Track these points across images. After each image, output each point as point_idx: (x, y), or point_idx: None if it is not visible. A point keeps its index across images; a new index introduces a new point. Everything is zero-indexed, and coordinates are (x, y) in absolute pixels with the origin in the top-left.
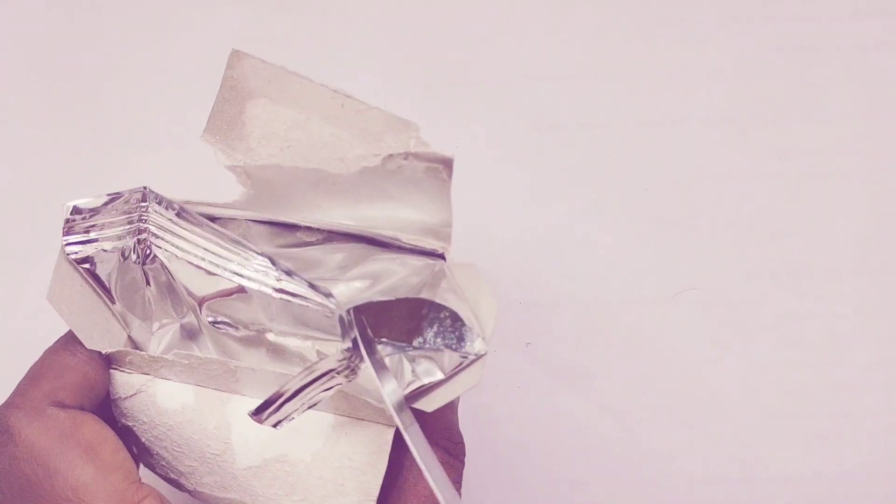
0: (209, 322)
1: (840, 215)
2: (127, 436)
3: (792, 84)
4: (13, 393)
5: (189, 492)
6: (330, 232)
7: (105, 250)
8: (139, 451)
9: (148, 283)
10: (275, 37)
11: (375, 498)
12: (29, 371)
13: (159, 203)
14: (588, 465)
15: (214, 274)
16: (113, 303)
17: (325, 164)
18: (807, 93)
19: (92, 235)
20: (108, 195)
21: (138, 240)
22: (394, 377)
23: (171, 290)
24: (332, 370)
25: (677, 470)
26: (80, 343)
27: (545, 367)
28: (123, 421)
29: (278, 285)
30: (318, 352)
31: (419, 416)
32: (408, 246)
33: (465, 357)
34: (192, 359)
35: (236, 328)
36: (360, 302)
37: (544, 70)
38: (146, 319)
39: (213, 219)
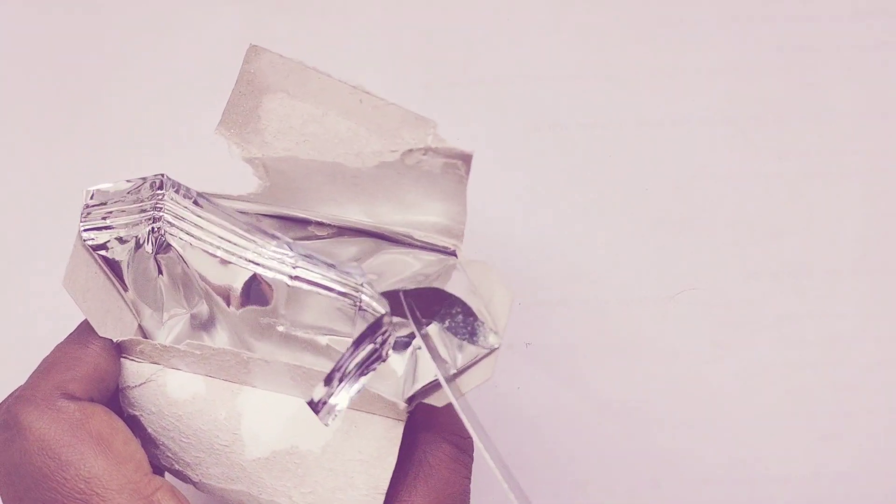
0: (238, 306)
1: (840, 215)
2: (132, 426)
3: (792, 84)
4: (23, 386)
5: (194, 483)
6: (341, 228)
7: (120, 238)
8: (144, 441)
9: (160, 272)
10: (275, 37)
11: (385, 491)
12: (40, 364)
13: (177, 191)
14: (588, 464)
15: (229, 262)
16: (126, 291)
17: (342, 159)
18: (807, 93)
19: (108, 222)
20: (129, 181)
21: (153, 228)
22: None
23: (184, 280)
24: (373, 341)
25: (677, 470)
26: (92, 335)
27: (545, 367)
28: (130, 411)
29: (294, 272)
30: (329, 344)
31: (429, 411)
32: (419, 243)
33: (479, 351)
34: (204, 349)
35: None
36: (382, 290)
37: (544, 70)
38: (157, 309)
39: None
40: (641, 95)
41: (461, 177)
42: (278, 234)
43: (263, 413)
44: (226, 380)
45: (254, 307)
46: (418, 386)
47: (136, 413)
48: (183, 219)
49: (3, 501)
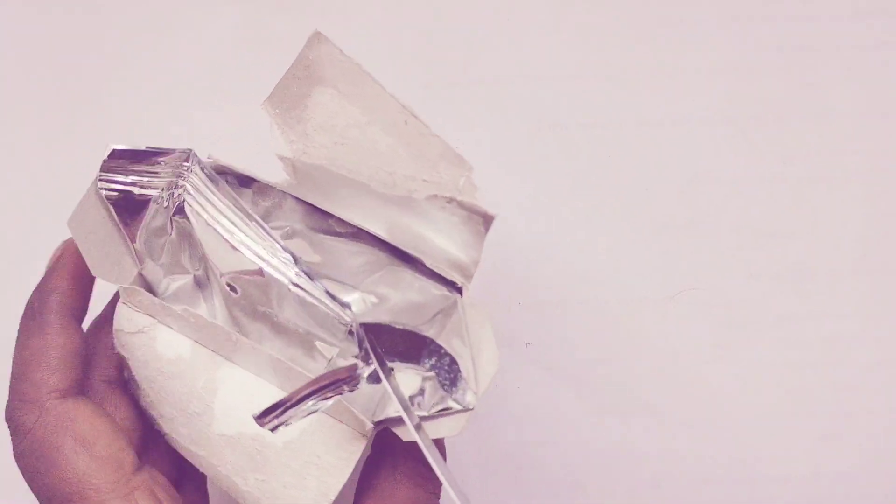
0: (225, 284)
1: (840, 215)
2: (121, 362)
3: (792, 84)
4: (13, 388)
5: (164, 434)
6: (360, 230)
7: (139, 195)
8: (129, 379)
9: (170, 232)
10: (275, 37)
11: (332, 501)
12: (14, 365)
13: (202, 169)
14: (588, 465)
15: (237, 250)
16: (133, 242)
17: (373, 175)
18: (807, 93)
19: (129, 178)
20: (150, 148)
21: (173, 193)
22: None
23: (191, 243)
24: (340, 380)
25: (677, 470)
26: (48, 320)
27: (545, 367)
28: (121, 351)
29: (296, 280)
30: (317, 346)
31: (403, 447)
32: (429, 269)
33: (452, 406)
34: (198, 319)
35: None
36: (371, 321)
37: (544, 70)
38: (161, 264)
39: (251, 180)
40: (641, 95)
41: (480, 232)
42: (290, 250)
43: (239, 393)
44: (212, 350)
45: (253, 294)
46: (389, 413)
47: (126, 355)
48: (202, 195)
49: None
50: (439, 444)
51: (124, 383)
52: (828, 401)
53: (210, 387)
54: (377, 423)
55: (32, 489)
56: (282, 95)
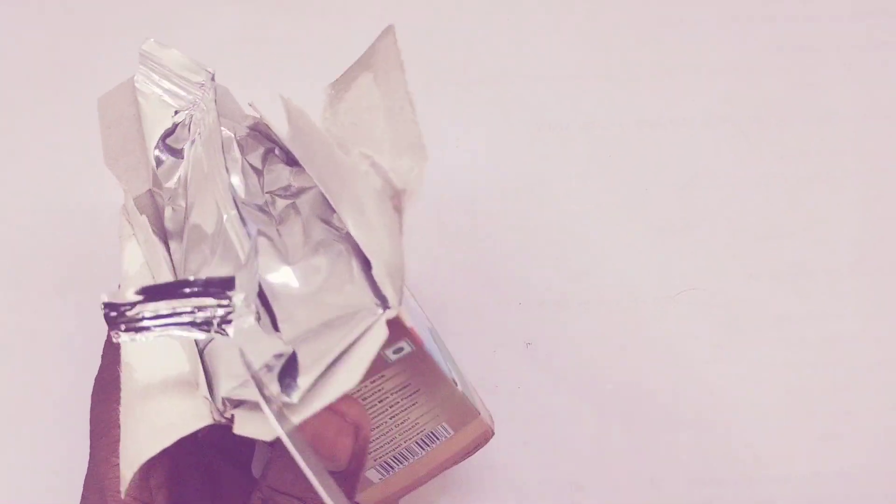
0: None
1: (840, 215)
2: None
3: (792, 84)
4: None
5: None
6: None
7: (170, 104)
8: None
9: (184, 156)
10: (275, 37)
11: (134, 471)
12: (89, 484)
13: (214, 101)
14: (588, 465)
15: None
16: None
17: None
18: (807, 93)
19: (165, 84)
20: (189, 61)
21: (192, 117)
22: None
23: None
24: (211, 295)
25: (677, 470)
26: (109, 453)
27: (545, 367)
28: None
29: (231, 216)
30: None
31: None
32: (370, 274)
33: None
34: (148, 236)
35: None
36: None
37: (544, 70)
38: (167, 190)
39: (277, 145)
40: (641, 95)
41: (396, 209)
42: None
43: None
44: (153, 276)
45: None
46: (227, 388)
47: None
48: (206, 124)
49: None
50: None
51: None
52: (828, 401)
53: None
54: (229, 402)
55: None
56: (344, 80)
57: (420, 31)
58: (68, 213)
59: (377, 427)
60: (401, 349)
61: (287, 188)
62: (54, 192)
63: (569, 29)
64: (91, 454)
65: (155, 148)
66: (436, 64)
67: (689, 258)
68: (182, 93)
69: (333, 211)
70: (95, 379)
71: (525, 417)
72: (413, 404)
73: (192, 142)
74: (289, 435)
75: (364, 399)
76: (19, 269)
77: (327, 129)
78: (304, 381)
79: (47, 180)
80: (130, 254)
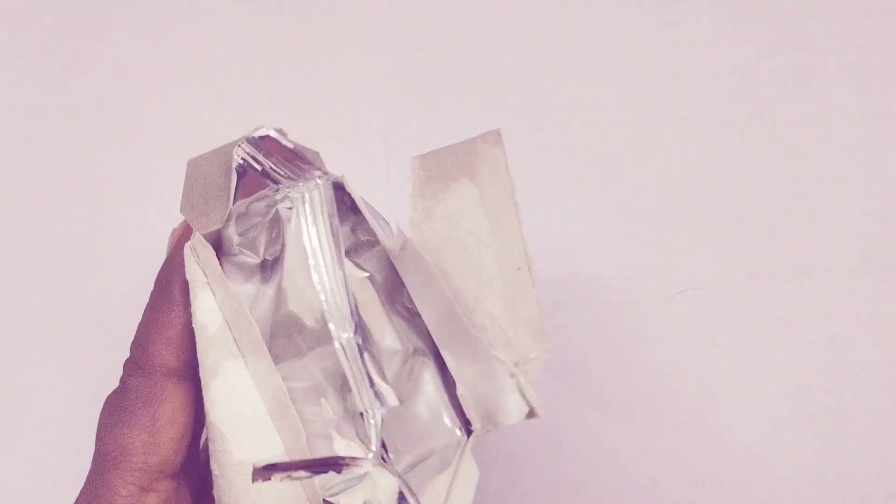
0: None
1: (840, 215)
2: None
3: (792, 84)
4: (137, 347)
5: None
6: (419, 316)
7: (263, 174)
8: None
9: (268, 215)
10: (275, 37)
11: None
12: (140, 326)
13: (329, 187)
14: (588, 464)
15: (311, 280)
16: (233, 203)
17: (459, 289)
18: (807, 93)
19: (266, 162)
20: (298, 147)
21: (290, 190)
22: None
23: (277, 234)
24: (340, 464)
25: (677, 470)
26: (174, 296)
27: (545, 367)
28: None
29: (345, 344)
30: (322, 402)
31: None
32: (454, 394)
33: None
34: (240, 306)
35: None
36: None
37: (544, 70)
38: (241, 235)
39: (359, 212)
40: (641, 95)
41: (520, 411)
42: (358, 313)
43: (231, 389)
44: (234, 338)
45: (298, 321)
46: (340, 500)
47: None
48: (314, 211)
49: None
50: None
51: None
52: (828, 401)
53: (212, 370)
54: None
55: (97, 432)
56: (434, 163)
57: (420, 31)
58: (69, 212)
59: None
60: None
61: (358, 246)
62: (54, 191)
63: (569, 29)
64: (96, 474)
65: (235, 203)
66: (436, 64)
67: (690, 258)
68: (279, 171)
69: (401, 285)
70: (113, 397)
71: None
72: None
73: (290, 208)
74: None
75: None
76: (19, 269)
77: (417, 224)
78: None
79: (47, 180)
80: (206, 306)
